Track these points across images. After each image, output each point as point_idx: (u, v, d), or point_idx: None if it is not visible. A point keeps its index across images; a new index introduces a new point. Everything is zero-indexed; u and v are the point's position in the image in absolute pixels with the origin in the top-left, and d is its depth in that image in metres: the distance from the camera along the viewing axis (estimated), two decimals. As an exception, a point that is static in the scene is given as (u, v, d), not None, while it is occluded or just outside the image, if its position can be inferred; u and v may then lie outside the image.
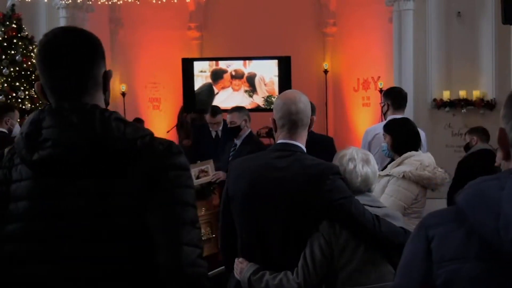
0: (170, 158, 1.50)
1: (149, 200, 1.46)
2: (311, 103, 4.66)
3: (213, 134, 6.94)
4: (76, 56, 1.52)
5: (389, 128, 3.74)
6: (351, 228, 2.46)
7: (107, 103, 1.60)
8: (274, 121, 2.64)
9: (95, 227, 1.44)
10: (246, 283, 2.53)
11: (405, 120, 3.86)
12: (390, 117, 4.44)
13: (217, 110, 6.76)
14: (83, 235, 1.44)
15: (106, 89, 1.59)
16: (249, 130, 5.63)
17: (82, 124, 1.46)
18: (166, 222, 1.46)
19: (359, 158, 2.61)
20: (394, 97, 4.67)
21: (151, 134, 1.53)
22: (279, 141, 2.62)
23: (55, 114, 1.49)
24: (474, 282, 1.17)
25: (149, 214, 1.46)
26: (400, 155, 3.56)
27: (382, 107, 4.77)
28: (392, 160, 3.67)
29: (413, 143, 3.62)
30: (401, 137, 3.63)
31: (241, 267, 2.58)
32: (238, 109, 5.77)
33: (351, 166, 2.59)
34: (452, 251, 1.21)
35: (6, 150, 1.59)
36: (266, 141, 9.92)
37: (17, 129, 6.34)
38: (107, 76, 1.58)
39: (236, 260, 2.63)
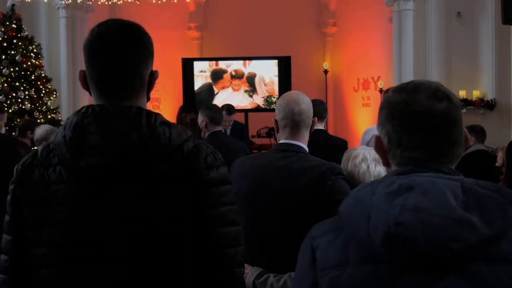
0: (217, 171, 1.49)
1: (194, 213, 1.45)
2: (323, 104, 4.66)
3: None
4: (128, 54, 1.49)
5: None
6: None
7: (148, 99, 1.58)
8: (276, 121, 2.64)
9: (134, 233, 1.42)
10: (251, 287, 2.52)
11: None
12: (389, 117, 4.44)
13: (232, 109, 6.81)
14: (126, 240, 1.42)
15: (150, 89, 1.57)
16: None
17: (129, 130, 1.43)
18: (213, 243, 1.47)
19: (371, 157, 2.59)
20: None
21: (192, 136, 1.52)
22: (281, 142, 2.61)
23: (100, 120, 1.45)
24: (355, 287, 1.18)
25: (194, 230, 1.45)
26: (400, 155, 3.56)
27: (382, 107, 4.78)
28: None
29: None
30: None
31: (245, 272, 2.57)
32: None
33: (364, 167, 2.57)
34: (332, 258, 1.23)
35: (40, 148, 1.55)
36: (266, 141, 9.94)
37: (1, 131, 6.33)
38: (153, 76, 1.55)
39: None
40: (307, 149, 2.61)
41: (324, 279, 1.23)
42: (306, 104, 2.61)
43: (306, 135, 2.62)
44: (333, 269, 1.22)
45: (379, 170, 2.58)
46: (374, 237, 1.15)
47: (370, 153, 2.61)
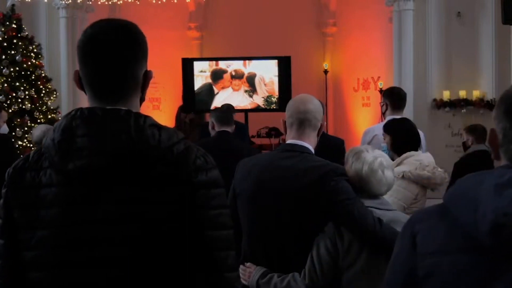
0: (207, 174, 1.47)
1: (185, 216, 1.44)
2: (321, 103, 4.66)
3: None
4: (121, 54, 1.48)
5: (388, 128, 3.74)
6: (351, 229, 2.45)
7: (142, 100, 1.57)
8: (284, 122, 2.65)
9: (128, 234, 1.42)
10: (254, 286, 2.52)
11: (405, 120, 3.86)
12: (389, 117, 4.45)
13: (230, 109, 6.78)
14: (116, 242, 1.42)
15: (144, 89, 1.56)
16: None
17: (118, 133, 1.42)
18: (203, 246, 1.46)
19: (386, 164, 2.60)
20: (393, 97, 4.68)
21: (184, 139, 1.50)
22: (287, 142, 2.63)
23: (89, 122, 1.44)
24: (455, 274, 1.20)
25: (185, 233, 1.44)
26: (399, 155, 3.56)
27: (381, 107, 4.78)
28: (392, 160, 3.66)
29: (413, 143, 3.61)
30: (401, 137, 3.63)
31: (249, 271, 2.57)
32: None
33: (380, 173, 2.56)
34: (434, 244, 1.25)
35: (31, 152, 1.55)
36: (266, 141, 9.94)
37: (3, 130, 6.33)
38: (147, 76, 1.55)
39: (241, 266, 2.60)
40: (312, 150, 2.61)
41: (423, 264, 1.25)
42: (313, 104, 2.62)
43: (312, 136, 2.62)
44: (434, 255, 1.23)
45: (390, 176, 2.59)
46: (480, 226, 1.16)
47: (386, 159, 2.63)
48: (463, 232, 1.20)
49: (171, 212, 1.43)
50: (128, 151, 1.42)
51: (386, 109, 4.65)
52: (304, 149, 2.57)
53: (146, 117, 1.48)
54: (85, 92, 1.54)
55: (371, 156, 2.58)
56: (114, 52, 1.48)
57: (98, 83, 1.50)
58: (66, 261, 1.44)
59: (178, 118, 10.71)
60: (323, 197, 2.45)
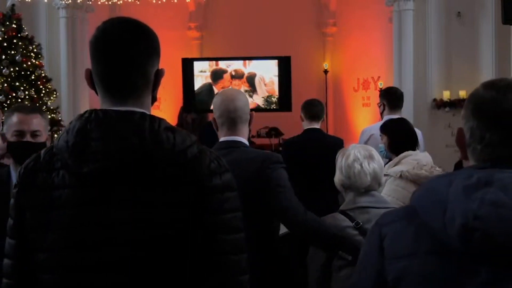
0: (220, 177, 1.47)
1: (197, 220, 1.43)
2: (321, 104, 4.68)
3: None
4: (133, 51, 1.48)
5: (386, 128, 3.74)
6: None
7: (154, 99, 1.56)
8: (214, 120, 2.68)
9: (140, 237, 1.41)
10: None
11: (402, 120, 3.87)
12: (386, 117, 4.45)
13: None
14: (128, 244, 1.41)
15: (156, 87, 1.55)
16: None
17: (132, 136, 1.42)
18: (216, 250, 1.45)
19: (362, 156, 2.61)
20: (389, 97, 4.69)
21: (197, 141, 1.50)
22: (221, 139, 2.65)
23: (103, 125, 1.43)
24: (424, 278, 1.19)
25: (197, 236, 1.43)
26: (397, 155, 3.57)
27: (379, 108, 4.79)
28: (390, 160, 3.67)
29: (410, 143, 3.62)
30: (398, 137, 3.63)
31: None
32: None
33: (357, 166, 2.58)
34: (402, 247, 1.24)
35: (42, 151, 1.53)
36: (266, 141, 9.94)
37: None
38: (158, 75, 1.54)
39: None
40: (247, 142, 2.66)
41: (392, 268, 1.24)
42: (241, 101, 2.66)
43: (245, 130, 2.67)
44: (402, 259, 1.22)
45: (373, 167, 2.59)
46: (449, 229, 1.15)
47: (361, 152, 2.62)
48: (431, 235, 1.19)
49: (180, 215, 1.42)
50: (142, 154, 1.41)
51: (384, 109, 4.66)
52: (240, 144, 2.62)
53: (161, 120, 1.48)
54: (95, 91, 1.53)
55: (348, 153, 2.62)
56: (125, 48, 1.48)
57: (108, 80, 1.49)
58: (74, 263, 1.43)
59: (180, 118, 10.72)
60: (261, 186, 2.48)
